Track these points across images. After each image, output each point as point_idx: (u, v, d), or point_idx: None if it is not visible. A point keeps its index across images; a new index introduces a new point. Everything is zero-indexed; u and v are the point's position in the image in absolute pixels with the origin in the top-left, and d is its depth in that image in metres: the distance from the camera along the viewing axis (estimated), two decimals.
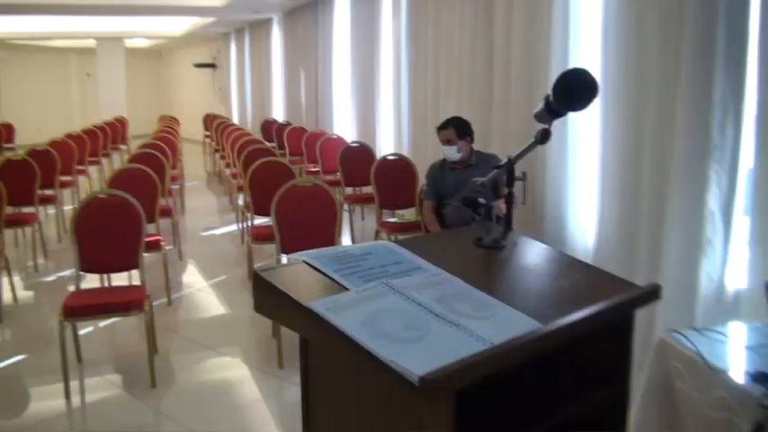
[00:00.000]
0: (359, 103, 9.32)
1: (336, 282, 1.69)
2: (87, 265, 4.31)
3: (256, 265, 1.89)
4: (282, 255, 4.60)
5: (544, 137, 2.29)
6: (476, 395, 1.58)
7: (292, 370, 4.19)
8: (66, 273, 6.60)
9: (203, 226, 8.56)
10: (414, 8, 7.32)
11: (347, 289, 1.65)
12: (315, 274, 1.74)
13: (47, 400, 4.05)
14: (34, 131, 17.54)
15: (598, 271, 2.17)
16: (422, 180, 5.86)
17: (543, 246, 2.41)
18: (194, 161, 14.25)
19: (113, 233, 4.30)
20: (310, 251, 1.83)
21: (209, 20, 15.01)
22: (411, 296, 1.63)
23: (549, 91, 2.22)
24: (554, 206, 4.75)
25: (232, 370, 4.38)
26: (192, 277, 6.42)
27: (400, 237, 5.64)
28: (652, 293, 1.96)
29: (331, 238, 4.65)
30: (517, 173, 2.46)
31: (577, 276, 2.11)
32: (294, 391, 4.00)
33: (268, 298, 1.70)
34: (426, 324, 1.53)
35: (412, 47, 7.39)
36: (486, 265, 2.15)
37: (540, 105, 2.29)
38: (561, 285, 2.05)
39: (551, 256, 2.33)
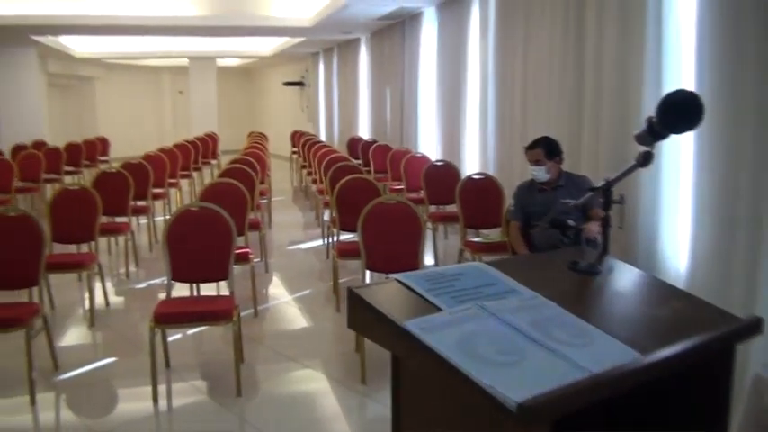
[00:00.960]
0: (444, 121, 9.32)
1: (429, 302, 1.68)
2: (178, 275, 4.44)
3: (351, 284, 1.90)
4: (367, 271, 4.62)
5: (646, 159, 2.22)
6: (567, 424, 1.53)
7: (375, 386, 4.20)
8: (156, 281, 6.84)
9: (289, 240, 8.71)
10: (502, 27, 7.28)
11: (440, 309, 1.64)
12: (407, 293, 1.74)
13: (135, 403, 4.19)
14: (127, 146, 18.33)
15: (697, 300, 2.08)
16: (508, 200, 5.80)
17: (639, 272, 2.33)
18: (281, 176, 14.56)
19: (204, 245, 4.42)
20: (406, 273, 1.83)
21: (299, 40, 15.35)
22: (506, 319, 1.60)
23: (652, 112, 2.15)
24: (645, 230, 4.60)
25: (315, 382, 4.42)
26: (278, 290, 6.53)
27: (485, 257, 5.58)
28: (754, 327, 1.87)
29: (415, 256, 4.65)
30: (614, 196, 2.39)
31: (676, 305, 2.03)
32: (376, 408, 4.02)
33: (361, 315, 1.71)
34: (522, 349, 1.49)
35: (499, 65, 7.34)
36: (582, 291, 2.09)
37: (642, 127, 2.22)
38: (659, 314, 1.97)
39: (648, 283, 2.25)
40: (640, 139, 2.25)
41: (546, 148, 4.73)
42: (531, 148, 4.80)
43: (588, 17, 5.35)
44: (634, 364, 1.54)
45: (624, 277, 2.28)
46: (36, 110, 15.38)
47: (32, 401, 4.08)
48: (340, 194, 6.08)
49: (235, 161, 8.03)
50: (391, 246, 4.68)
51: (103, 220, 6.43)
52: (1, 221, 4.57)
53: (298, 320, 5.73)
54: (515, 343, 1.51)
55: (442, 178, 7.43)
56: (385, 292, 1.78)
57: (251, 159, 8.20)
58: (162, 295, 6.09)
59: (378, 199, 4.93)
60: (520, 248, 4.82)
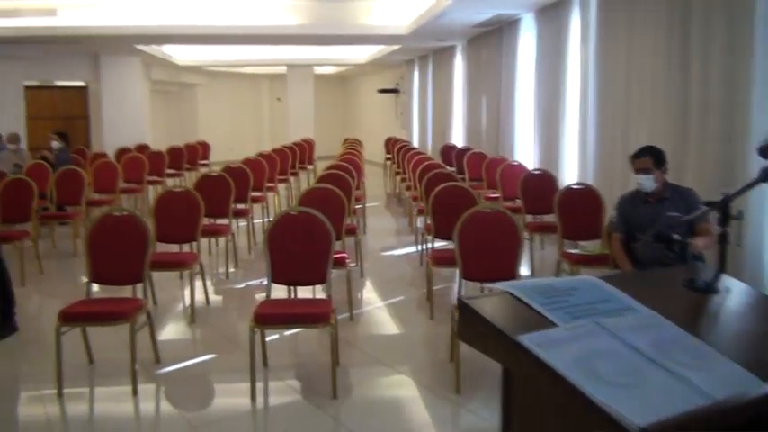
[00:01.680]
0: (541, 129, 9.17)
1: (543, 316, 1.64)
2: (278, 277, 4.53)
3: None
4: (463, 280, 4.59)
5: None
6: None
7: (470, 396, 4.15)
8: (254, 282, 7.02)
9: (382, 245, 8.76)
10: (603, 35, 7.10)
11: (555, 324, 1.60)
12: (519, 305, 1.70)
13: (233, 399, 4.32)
14: (227, 150, 18.93)
15: None
16: (608, 211, 5.64)
17: (758, 292, 2.21)
18: (375, 183, 14.67)
19: (303, 248, 4.49)
20: (513, 282, 1.79)
21: (395, 48, 15.46)
22: (625, 338, 1.54)
23: (762, 128, 2.04)
24: (754, 248, 4.39)
25: (407, 389, 4.41)
26: (372, 295, 6.58)
27: (583, 269, 5.45)
28: None
29: (512, 267, 4.58)
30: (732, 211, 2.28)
31: None
32: (470, 419, 3.98)
33: (472, 326, 1.68)
34: (643, 370, 1.44)
35: (601, 73, 7.17)
36: (699, 310, 2.00)
37: (766, 139, 2.10)
38: None
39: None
40: (764, 151, 2.13)
41: (654, 157, 4.57)
42: (638, 156, 4.65)
43: (693, 33, 5.17)
44: (757, 392, 1.45)
45: (742, 297, 2.17)
46: (140, 115, 16.10)
47: (134, 392, 4.27)
48: (435, 202, 6.07)
49: (331, 167, 8.14)
50: (488, 255, 4.62)
51: (204, 221, 6.64)
52: (109, 221, 4.79)
53: (391, 326, 5.75)
54: (635, 364, 1.46)
55: (539, 187, 7.31)
56: (496, 303, 1.75)
57: (347, 165, 8.29)
58: (259, 296, 6.24)
59: (475, 207, 4.88)
60: (623, 262, 4.68)
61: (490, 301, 1.77)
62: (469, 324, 1.70)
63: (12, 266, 7.30)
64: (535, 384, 1.63)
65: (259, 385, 4.34)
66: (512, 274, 4.55)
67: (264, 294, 4.57)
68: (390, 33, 12.82)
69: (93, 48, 14.34)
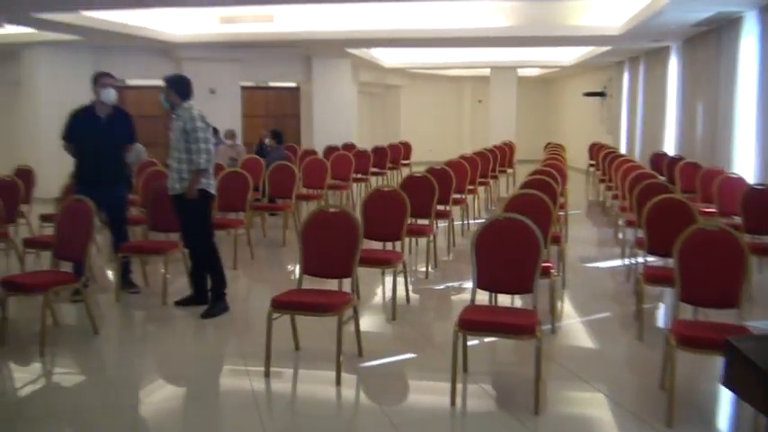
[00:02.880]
0: (764, 140, 8.38)
1: None
2: (482, 282, 4.46)
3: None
4: (681, 302, 4.26)
5: None
6: None
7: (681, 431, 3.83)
8: (453, 284, 7.05)
9: (583, 256, 8.42)
10: None
11: None
12: None
13: (432, 400, 4.36)
14: (426, 151, 19.23)
15: None
16: None
17: None
18: (575, 189, 14.20)
19: (510, 255, 4.39)
20: None
21: (604, 49, 14.87)
22: None
23: None
24: None
25: (610, 412, 4.17)
26: (574, 308, 6.30)
27: None
28: None
29: (735, 292, 4.14)
30: None
31: None
32: None
33: (741, 372, 1.48)
34: None
35: None
36: None
37: None
38: None
39: None
40: None
41: None
42: None
43: None
44: None
45: None
46: (348, 115, 16.81)
47: (338, 382, 4.43)
48: (650, 215, 5.68)
49: (536, 172, 7.93)
50: (709, 277, 4.24)
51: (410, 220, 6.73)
52: (322, 216, 5.00)
53: (594, 343, 5.49)
54: None
55: (762, 204, 6.65)
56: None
57: (552, 171, 8.05)
58: (456, 297, 6.29)
59: (697, 225, 4.50)
60: None
61: (761, 344, 1.55)
62: (738, 369, 1.49)
63: (226, 251, 7.94)
64: None
65: (458, 388, 4.31)
66: (734, 301, 4.15)
67: (462, 297, 4.53)
68: (601, 34, 12.35)
69: (306, 51, 15.17)
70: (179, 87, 5.81)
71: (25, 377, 4.80)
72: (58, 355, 5.11)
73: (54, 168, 9.67)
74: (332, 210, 5.07)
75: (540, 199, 5.78)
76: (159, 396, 4.53)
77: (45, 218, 8.13)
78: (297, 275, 5.10)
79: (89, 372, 4.97)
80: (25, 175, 8.50)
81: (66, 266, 5.78)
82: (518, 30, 12.47)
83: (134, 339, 5.71)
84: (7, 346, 5.15)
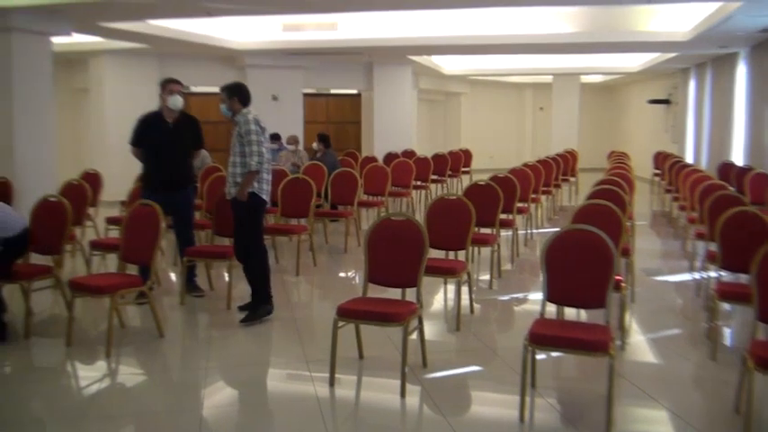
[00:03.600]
0: None
1: None
2: (552, 295, 4.37)
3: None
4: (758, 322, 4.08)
5: None
6: None
7: None
8: (518, 295, 6.97)
9: (649, 269, 8.18)
10: None
11: None
12: None
13: (498, 414, 4.29)
14: (487, 158, 19.08)
15: None
16: None
17: None
18: (639, 199, 13.87)
19: (582, 268, 4.28)
20: None
21: (670, 55, 14.52)
22: None
23: None
24: None
25: None
26: (643, 323, 6.08)
27: None
28: None
29: None
30: None
31: None
32: None
33: None
34: None
35: None
36: None
37: None
38: None
39: None
40: None
41: None
42: None
43: None
44: None
45: None
46: (408, 122, 16.79)
47: (402, 393, 4.37)
48: (725, 228, 5.47)
49: (603, 182, 7.75)
50: None
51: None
52: (387, 224, 4.96)
53: (664, 360, 5.28)
54: None
55: None
56: None
57: (620, 180, 7.86)
58: (518, 308, 6.16)
59: None
60: None
61: None
62: None
63: (288, 258, 7.95)
64: None
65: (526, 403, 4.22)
66: None
67: (527, 308, 4.44)
68: (667, 40, 12.06)
69: (368, 58, 15.22)
70: (240, 95, 5.86)
71: (91, 376, 4.89)
72: (123, 355, 5.21)
73: (120, 172, 9.95)
74: (398, 218, 5.03)
75: (610, 209, 5.64)
76: (222, 400, 4.56)
77: (111, 221, 8.34)
78: (359, 282, 5.08)
79: (153, 374, 5.06)
80: (92, 178, 8.75)
81: (132, 269, 5.90)
82: (583, 36, 12.26)
83: (198, 343, 5.78)
84: (74, 346, 5.28)
